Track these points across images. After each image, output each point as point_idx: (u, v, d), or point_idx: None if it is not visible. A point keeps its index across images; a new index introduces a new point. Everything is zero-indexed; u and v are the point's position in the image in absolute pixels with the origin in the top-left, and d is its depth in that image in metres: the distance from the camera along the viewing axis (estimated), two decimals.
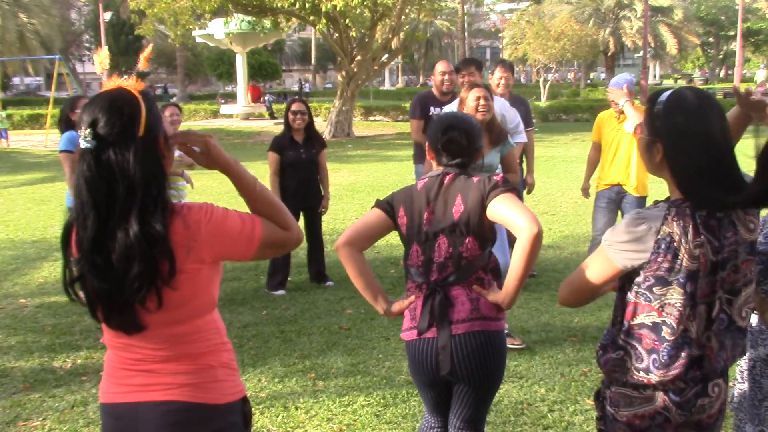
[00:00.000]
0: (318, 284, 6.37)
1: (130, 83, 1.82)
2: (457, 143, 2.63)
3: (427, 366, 2.58)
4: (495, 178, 2.51)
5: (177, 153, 5.29)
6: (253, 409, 3.88)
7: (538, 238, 2.35)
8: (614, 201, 5.78)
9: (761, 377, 2.56)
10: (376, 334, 5.08)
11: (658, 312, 1.93)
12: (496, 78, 6.08)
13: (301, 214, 6.16)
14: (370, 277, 2.66)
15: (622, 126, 5.60)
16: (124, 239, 1.70)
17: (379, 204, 2.69)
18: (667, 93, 1.96)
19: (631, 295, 1.99)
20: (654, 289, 1.92)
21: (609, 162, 5.76)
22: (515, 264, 2.40)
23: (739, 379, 2.73)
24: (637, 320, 1.97)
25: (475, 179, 2.56)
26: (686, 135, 1.89)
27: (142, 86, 1.84)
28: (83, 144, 1.72)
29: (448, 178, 2.59)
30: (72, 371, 4.54)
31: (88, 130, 1.71)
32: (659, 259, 1.89)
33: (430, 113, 6.14)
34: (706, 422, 2.01)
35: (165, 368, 1.82)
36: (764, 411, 2.55)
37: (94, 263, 1.73)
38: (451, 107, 5.30)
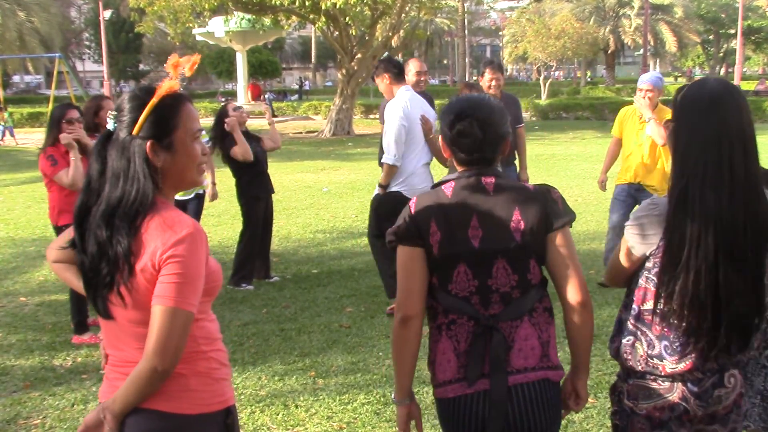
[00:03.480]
0: (266, 280, 6.44)
1: (171, 86, 1.84)
2: (469, 135, 2.12)
3: (472, 427, 2.06)
4: (554, 196, 2.13)
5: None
6: (253, 407, 3.91)
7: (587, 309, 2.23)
8: (632, 196, 5.87)
9: (752, 375, 2.60)
10: (376, 332, 5.08)
11: (665, 299, 1.93)
12: (487, 80, 6.15)
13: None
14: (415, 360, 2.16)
15: (644, 127, 5.68)
16: (96, 233, 1.76)
17: (400, 237, 2.11)
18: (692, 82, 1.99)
19: (641, 280, 2.01)
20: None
21: (629, 158, 5.85)
22: (581, 340, 2.32)
23: None
24: (647, 306, 1.99)
25: (530, 187, 2.15)
26: (695, 125, 1.88)
27: (173, 90, 1.83)
28: (108, 123, 1.83)
29: (489, 183, 2.12)
30: (72, 369, 4.54)
31: (115, 113, 1.82)
32: None
33: None
34: (721, 413, 2.02)
35: None
36: (750, 407, 2.59)
37: (80, 234, 1.82)
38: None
